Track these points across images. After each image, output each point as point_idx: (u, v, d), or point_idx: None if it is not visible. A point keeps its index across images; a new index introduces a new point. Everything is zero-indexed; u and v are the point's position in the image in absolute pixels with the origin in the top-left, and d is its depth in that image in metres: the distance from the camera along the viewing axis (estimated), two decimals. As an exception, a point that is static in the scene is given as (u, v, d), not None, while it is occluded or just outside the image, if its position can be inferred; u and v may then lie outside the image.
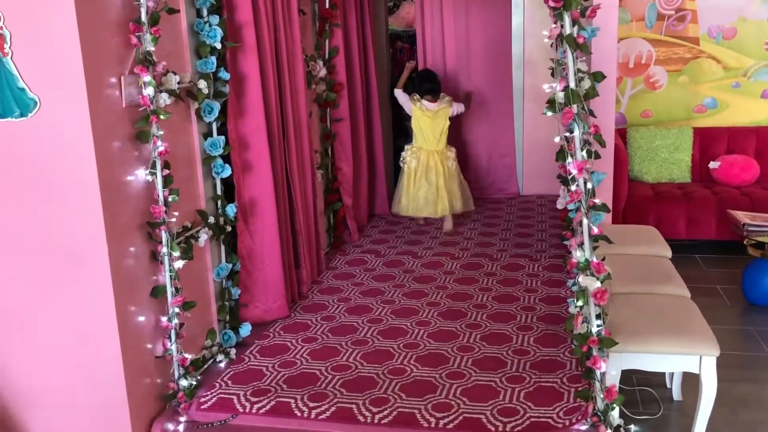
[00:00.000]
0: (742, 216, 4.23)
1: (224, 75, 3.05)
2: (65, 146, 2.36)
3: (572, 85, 2.39)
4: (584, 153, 2.43)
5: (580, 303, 2.49)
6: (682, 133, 5.40)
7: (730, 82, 5.52)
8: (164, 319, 2.67)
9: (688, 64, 5.54)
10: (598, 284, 2.41)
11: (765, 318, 3.92)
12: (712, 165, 5.34)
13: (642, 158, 5.42)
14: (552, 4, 2.34)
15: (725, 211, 4.63)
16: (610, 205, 4.31)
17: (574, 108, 2.39)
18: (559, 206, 3.84)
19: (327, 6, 4.49)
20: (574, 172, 2.43)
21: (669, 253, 3.50)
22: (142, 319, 2.61)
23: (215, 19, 2.97)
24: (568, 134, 2.45)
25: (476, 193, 6.09)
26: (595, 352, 2.42)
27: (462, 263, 4.33)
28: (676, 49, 5.54)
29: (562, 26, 2.39)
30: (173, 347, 2.70)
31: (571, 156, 2.46)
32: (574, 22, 2.37)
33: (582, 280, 2.46)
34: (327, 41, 4.59)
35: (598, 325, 2.43)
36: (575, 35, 2.37)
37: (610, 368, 2.53)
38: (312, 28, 4.47)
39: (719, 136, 5.45)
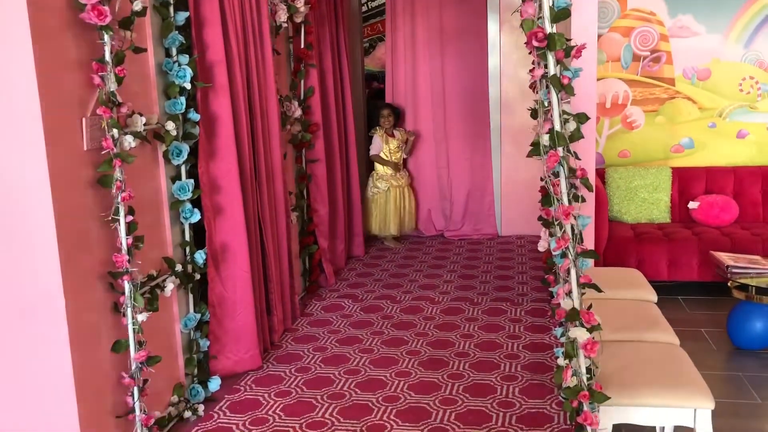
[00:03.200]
0: (726, 258, 4.16)
1: (194, 116, 2.94)
2: (20, 191, 2.21)
3: (557, 127, 2.30)
4: (570, 197, 2.33)
5: (568, 355, 2.36)
6: (661, 173, 5.37)
7: (707, 123, 5.52)
8: (126, 375, 2.49)
9: (664, 105, 5.54)
10: (588, 335, 2.29)
11: (753, 363, 3.82)
12: (692, 205, 5.30)
13: (621, 198, 5.36)
14: (536, 44, 2.25)
15: (707, 252, 4.57)
16: (592, 248, 4.22)
17: (560, 151, 2.29)
18: (541, 249, 3.72)
19: (302, 46, 4.42)
20: (561, 217, 2.32)
21: (654, 297, 3.39)
22: (101, 375, 2.42)
23: (185, 59, 2.86)
24: (553, 178, 2.35)
25: (455, 234, 6.00)
26: (586, 408, 2.29)
27: (442, 308, 4.20)
28: (652, 90, 5.55)
29: (545, 66, 2.30)
30: (136, 405, 2.52)
31: (557, 200, 2.36)
32: (557, 63, 2.29)
33: (571, 331, 2.33)
34: (302, 81, 4.50)
35: (588, 379, 2.30)
36: (559, 76, 2.29)
37: (601, 424, 2.39)
38: (287, 68, 4.38)
39: (697, 176, 5.43)
